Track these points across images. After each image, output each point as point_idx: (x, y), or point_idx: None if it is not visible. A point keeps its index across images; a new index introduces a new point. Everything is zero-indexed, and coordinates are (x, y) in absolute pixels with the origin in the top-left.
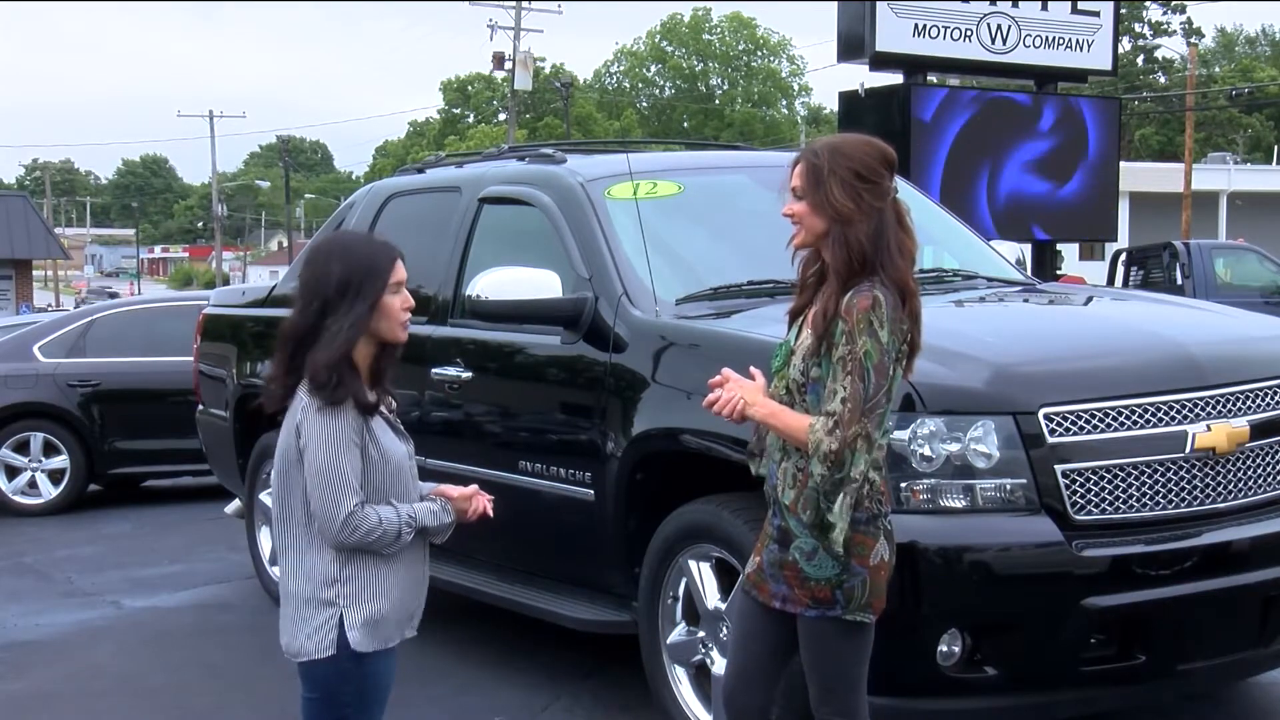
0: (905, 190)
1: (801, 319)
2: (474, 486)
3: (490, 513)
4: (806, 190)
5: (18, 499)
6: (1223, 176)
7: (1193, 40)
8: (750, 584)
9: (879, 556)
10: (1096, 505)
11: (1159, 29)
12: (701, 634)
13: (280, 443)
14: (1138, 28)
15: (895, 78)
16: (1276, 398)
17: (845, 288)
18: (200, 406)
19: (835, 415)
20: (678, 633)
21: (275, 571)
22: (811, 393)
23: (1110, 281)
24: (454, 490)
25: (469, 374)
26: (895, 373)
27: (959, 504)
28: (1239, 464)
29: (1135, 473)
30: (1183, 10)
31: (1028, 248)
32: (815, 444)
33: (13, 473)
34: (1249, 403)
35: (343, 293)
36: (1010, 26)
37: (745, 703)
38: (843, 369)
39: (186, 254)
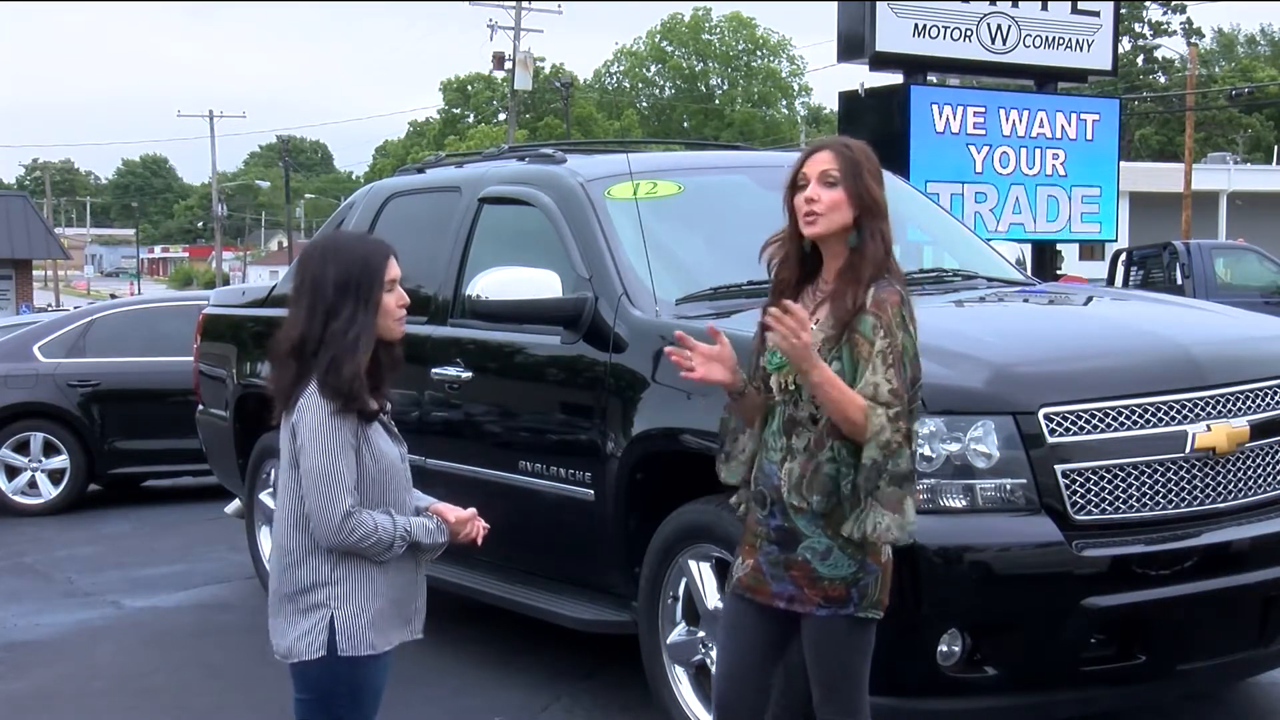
0: (906, 190)
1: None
2: (471, 510)
3: (479, 542)
4: (843, 178)
5: (18, 499)
6: (1223, 176)
7: (1193, 40)
8: (744, 588)
9: (887, 554)
10: (1096, 505)
11: (1159, 29)
12: (701, 634)
13: (280, 446)
14: (1138, 28)
15: (895, 78)
16: (1276, 398)
17: (869, 282)
18: (200, 406)
19: (894, 407)
20: (678, 633)
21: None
22: None
23: (1110, 281)
24: (451, 512)
25: (469, 374)
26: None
27: (959, 504)
28: (1239, 464)
29: (1135, 473)
30: (1183, 10)
31: (1028, 248)
32: (877, 430)
33: (13, 473)
34: (1249, 403)
35: (343, 294)
36: (1010, 26)
37: (739, 707)
38: (882, 361)
39: (186, 254)
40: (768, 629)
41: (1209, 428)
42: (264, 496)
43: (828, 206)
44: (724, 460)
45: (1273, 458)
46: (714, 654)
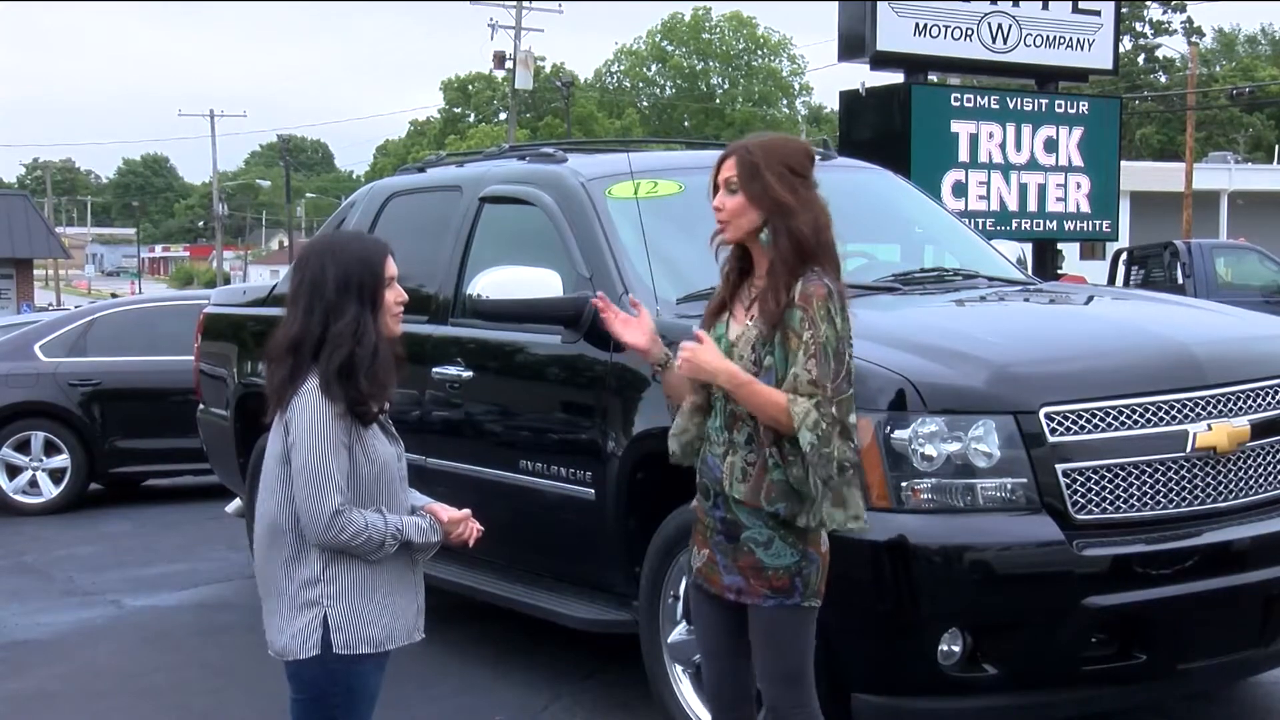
0: (907, 189)
1: (727, 314)
2: (466, 511)
3: (471, 543)
4: (742, 183)
5: (18, 498)
6: (1223, 176)
7: (1193, 39)
8: (702, 577)
9: (825, 544)
10: (1097, 505)
11: (1160, 28)
12: None
13: (269, 442)
14: (1139, 27)
15: (896, 77)
16: (1277, 397)
17: (794, 277)
18: (201, 406)
19: (815, 396)
20: (678, 632)
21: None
22: (764, 382)
23: (1111, 281)
24: (445, 512)
25: (470, 373)
26: (851, 359)
27: (960, 503)
28: (1239, 463)
29: (1136, 472)
30: (1183, 9)
31: (1028, 247)
32: (803, 414)
33: (14, 472)
34: (1249, 402)
35: (344, 294)
36: (1011, 26)
37: (724, 690)
38: (804, 353)
39: (187, 253)
40: (732, 615)
41: (1210, 427)
42: None
43: (731, 213)
44: (671, 435)
45: (1273, 457)
46: None
